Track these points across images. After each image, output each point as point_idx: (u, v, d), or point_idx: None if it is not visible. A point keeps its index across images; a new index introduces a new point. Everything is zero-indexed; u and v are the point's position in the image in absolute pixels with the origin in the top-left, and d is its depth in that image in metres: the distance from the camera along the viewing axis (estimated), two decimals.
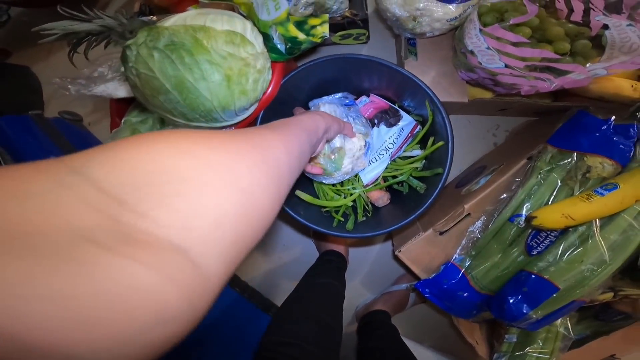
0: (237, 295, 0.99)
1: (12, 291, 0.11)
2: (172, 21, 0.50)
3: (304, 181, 0.75)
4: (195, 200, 0.16)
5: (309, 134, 0.35)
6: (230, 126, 0.61)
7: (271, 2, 0.55)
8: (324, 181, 0.68)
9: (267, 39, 0.57)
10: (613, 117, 0.59)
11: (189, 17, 0.51)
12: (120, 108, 0.75)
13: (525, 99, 0.64)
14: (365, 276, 0.98)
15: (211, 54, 0.47)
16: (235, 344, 0.90)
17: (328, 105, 0.66)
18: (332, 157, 0.61)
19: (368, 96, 0.73)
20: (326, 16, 0.62)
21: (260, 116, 0.63)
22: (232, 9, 0.60)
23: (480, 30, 0.54)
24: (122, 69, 0.68)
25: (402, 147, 0.70)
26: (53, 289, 0.12)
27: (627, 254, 0.56)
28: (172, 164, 0.17)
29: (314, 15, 0.65)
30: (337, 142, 0.61)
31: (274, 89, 0.62)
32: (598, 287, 0.59)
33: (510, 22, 0.52)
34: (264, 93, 0.60)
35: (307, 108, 0.76)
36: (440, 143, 0.62)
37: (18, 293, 0.11)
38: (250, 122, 0.63)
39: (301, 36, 0.56)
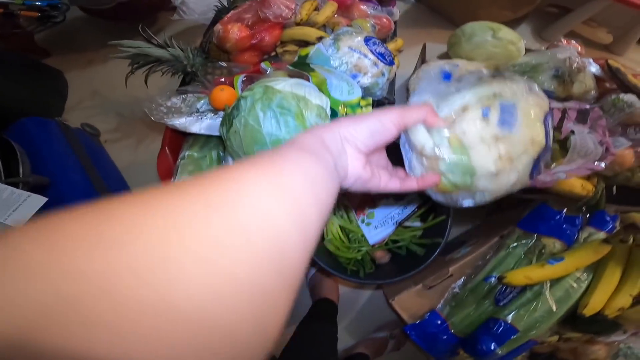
0: None
1: None
2: (281, 86, 0.62)
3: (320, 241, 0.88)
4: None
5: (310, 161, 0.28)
6: None
7: (346, 87, 0.71)
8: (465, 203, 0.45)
9: (333, 115, 0.72)
10: (565, 210, 0.82)
11: (293, 85, 0.63)
12: (173, 139, 0.83)
13: None
14: (350, 322, 1.09)
15: (306, 122, 0.61)
16: None
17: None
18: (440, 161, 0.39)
19: None
20: (371, 99, 0.80)
21: None
22: (307, 79, 0.74)
23: None
24: (199, 105, 0.77)
25: (406, 218, 0.86)
26: None
27: (568, 306, 0.77)
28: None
29: (362, 96, 0.81)
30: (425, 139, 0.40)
31: None
32: (547, 331, 0.79)
33: None
34: None
35: None
36: (442, 217, 0.80)
37: None
38: None
39: None
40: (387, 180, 0.40)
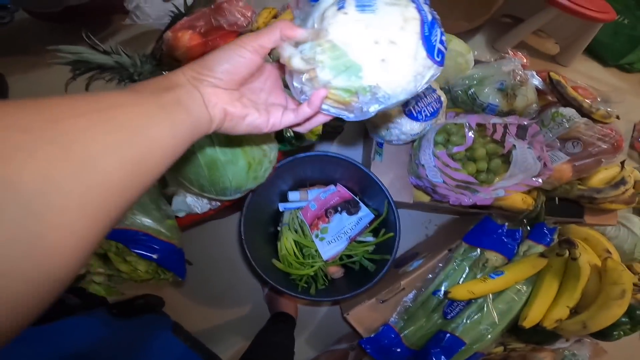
0: (179, 342, 0.98)
1: None
2: None
3: (273, 251, 0.86)
4: None
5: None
6: (229, 201, 0.70)
7: None
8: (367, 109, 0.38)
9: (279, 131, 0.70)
10: (506, 224, 0.84)
11: None
12: None
13: (451, 205, 0.86)
14: (310, 335, 1.09)
15: (243, 142, 0.58)
16: None
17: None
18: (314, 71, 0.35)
19: (335, 185, 0.90)
20: None
21: (250, 195, 0.74)
22: None
23: (433, 151, 0.75)
24: None
25: (359, 233, 0.86)
26: None
27: (510, 317, 0.80)
28: None
29: None
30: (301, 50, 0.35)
31: (271, 174, 0.71)
32: (492, 342, 0.81)
33: (453, 150, 0.74)
34: None
35: (284, 196, 0.90)
36: (391, 234, 0.80)
37: None
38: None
39: (311, 138, 0.70)
40: (278, 115, 0.38)
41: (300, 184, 0.91)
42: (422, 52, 0.35)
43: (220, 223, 1.10)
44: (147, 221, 0.61)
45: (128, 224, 0.60)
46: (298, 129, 0.41)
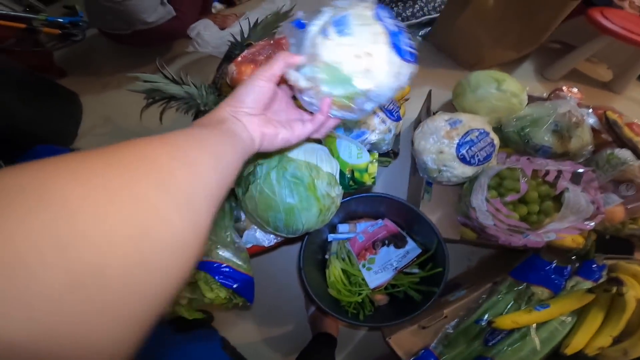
0: (227, 357, 1.06)
1: None
2: (295, 154, 0.66)
3: (322, 278, 0.92)
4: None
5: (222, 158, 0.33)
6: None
7: (355, 150, 0.74)
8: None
9: (340, 175, 0.75)
10: (555, 262, 0.87)
11: (307, 151, 0.67)
12: None
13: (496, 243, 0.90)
14: (349, 354, 1.14)
15: (317, 191, 0.65)
16: None
17: None
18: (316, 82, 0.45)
19: (382, 219, 0.94)
20: (377, 154, 0.83)
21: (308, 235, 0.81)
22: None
23: (486, 197, 0.78)
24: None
25: (406, 266, 0.91)
26: None
27: (552, 345, 0.83)
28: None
29: (368, 151, 0.84)
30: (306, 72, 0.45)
31: None
32: None
33: (508, 199, 0.77)
34: None
35: (334, 227, 0.95)
36: (440, 269, 0.85)
37: None
38: None
39: (369, 182, 0.75)
40: (300, 128, 0.47)
41: (350, 217, 0.97)
42: (395, 57, 0.44)
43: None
44: (227, 254, 0.69)
45: (213, 257, 0.68)
46: (316, 135, 0.50)
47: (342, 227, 0.94)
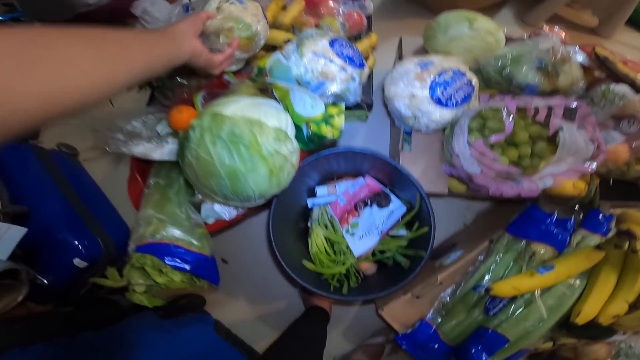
0: (221, 340, 1.01)
1: None
2: (232, 110, 0.58)
3: (304, 249, 0.85)
4: None
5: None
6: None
7: (309, 100, 0.66)
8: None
9: (297, 130, 0.67)
10: (556, 213, 0.77)
11: (246, 107, 0.59)
12: (140, 164, 0.79)
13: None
14: (346, 329, 1.08)
15: (262, 150, 0.56)
16: None
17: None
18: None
19: (364, 177, 0.86)
20: (342, 106, 0.74)
21: (275, 199, 0.72)
22: (267, 89, 0.69)
23: (467, 140, 0.69)
24: (159, 129, 0.73)
25: (391, 227, 0.82)
26: None
27: (561, 313, 0.73)
28: None
29: (332, 103, 0.76)
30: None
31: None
32: (539, 339, 0.75)
33: (491, 140, 0.67)
34: None
35: (312, 191, 0.88)
36: (425, 229, 0.76)
37: None
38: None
39: (329, 135, 0.66)
40: (216, 56, 0.63)
41: (328, 178, 0.88)
42: None
43: (252, 222, 1.10)
44: (177, 233, 0.62)
45: (160, 238, 0.60)
46: (223, 66, 0.67)
47: (321, 190, 0.86)
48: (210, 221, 0.72)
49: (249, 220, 1.09)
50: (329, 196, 0.86)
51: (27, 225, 0.77)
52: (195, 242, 0.62)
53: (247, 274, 1.09)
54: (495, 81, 0.84)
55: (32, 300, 0.78)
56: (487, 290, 0.73)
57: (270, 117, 0.60)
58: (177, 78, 0.78)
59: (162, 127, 0.73)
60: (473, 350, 0.75)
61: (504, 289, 0.72)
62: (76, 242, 0.83)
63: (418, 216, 0.81)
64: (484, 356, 0.74)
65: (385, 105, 0.86)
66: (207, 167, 0.55)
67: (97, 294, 0.93)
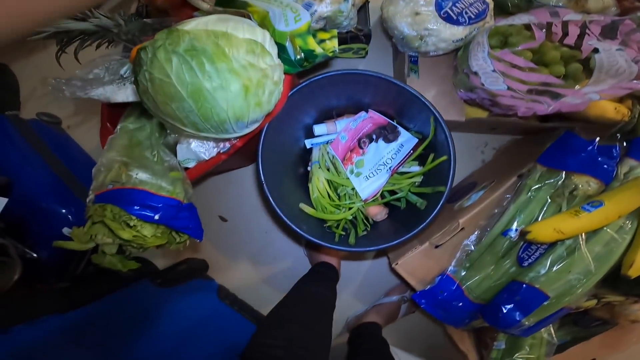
0: (225, 307, 0.94)
1: None
2: (193, 25, 0.47)
3: (305, 196, 0.74)
4: None
5: None
6: (237, 138, 0.59)
7: (290, 14, 0.54)
8: None
9: (281, 50, 0.55)
10: (598, 139, 0.63)
11: (210, 22, 0.48)
12: (112, 113, 0.71)
13: (518, 120, 0.66)
14: (358, 288, 0.98)
15: (232, 62, 0.45)
16: (224, 355, 0.86)
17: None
18: None
19: (366, 112, 0.73)
20: (335, 31, 0.62)
21: (265, 128, 0.62)
22: (244, 16, 0.58)
23: (488, 53, 0.56)
24: (122, 71, 0.63)
25: (402, 163, 0.70)
26: None
27: (610, 264, 0.60)
28: None
29: (323, 29, 0.65)
30: None
31: (282, 102, 0.60)
32: (584, 295, 0.63)
33: (520, 47, 0.54)
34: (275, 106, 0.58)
35: (310, 131, 0.77)
36: (444, 158, 0.63)
37: None
38: (255, 134, 0.61)
39: (318, 50, 0.55)
40: None
41: (327, 116, 0.77)
42: None
43: (247, 172, 1.00)
44: (144, 176, 0.52)
45: (122, 183, 0.51)
46: None
47: (319, 128, 0.75)
48: (191, 165, 0.62)
49: (244, 171, 1.00)
50: (329, 134, 0.75)
51: (10, 197, 0.72)
52: (165, 186, 0.52)
53: (248, 232, 1.00)
54: (513, 4, 0.69)
55: (33, 280, 0.75)
56: (523, 234, 0.60)
57: (241, 30, 0.48)
58: (146, 20, 0.68)
59: (125, 69, 0.63)
60: (505, 309, 0.63)
61: (544, 232, 0.59)
62: (63, 210, 0.79)
63: (433, 146, 0.68)
64: (518, 316, 0.63)
65: (386, 34, 0.73)
66: (165, 89, 0.45)
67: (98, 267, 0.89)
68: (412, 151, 0.70)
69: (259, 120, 0.56)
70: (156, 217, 0.50)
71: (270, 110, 0.55)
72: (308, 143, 0.77)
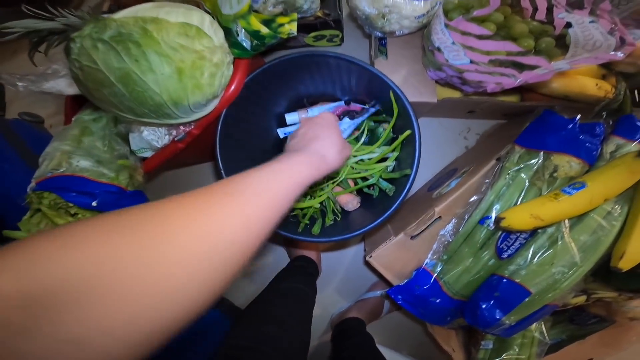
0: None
1: None
2: (124, 13, 0.46)
3: None
4: (107, 308, 0.18)
5: (289, 192, 0.32)
6: (187, 123, 0.57)
7: None
8: None
9: (230, 35, 0.53)
10: (579, 116, 0.57)
11: (142, 9, 0.47)
12: (76, 107, 0.70)
13: (492, 98, 0.62)
14: (340, 283, 0.94)
15: (161, 45, 0.43)
16: (194, 347, 0.82)
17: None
18: None
19: (345, 103, 0.72)
20: (295, 15, 0.60)
21: (223, 114, 0.59)
22: (197, 5, 0.56)
23: (446, 25, 0.52)
24: None
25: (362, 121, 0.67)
26: None
27: (598, 255, 0.54)
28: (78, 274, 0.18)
29: (283, 14, 0.62)
30: None
31: (237, 86, 0.58)
32: (570, 290, 0.57)
33: (474, 14, 0.50)
34: (226, 90, 0.56)
35: (282, 120, 0.74)
36: (407, 132, 0.58)
37: None
38: (211, 121, 0.59)
39: (264, 30, 0.53)
40: None
41: (299, 105, 0.75)
42: None
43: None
44: (86, 163, 0.50)
45: (62, 171, 0.50)
46: None
47: (290, 117, 0.73)
48: (147, 154, 0.60)
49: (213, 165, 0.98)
50: (298, 123, 0.72)
51: None
52: (107, 173, 0.51)
53: None
54: None
55: None
56: (498, 221, 0.55)
57: (175, 14, 0.46)
58: None
59: None
60: (484, 306, 0.58)
61: (519, 218, 0.54)
62: None
63: (401, 128, 0.64)
64: (497, 314, 0.57)
65: (356, 20, 0.70)
66: (94, 75, 0.44)
67: None
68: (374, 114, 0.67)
69: (206, 105, 0.54)
70: (94, 203, 0.49)
71: (217, 94, 0.53)
72: (281, 132, 0.75)
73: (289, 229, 0.62)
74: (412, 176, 0.57)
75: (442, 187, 0.71)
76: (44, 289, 0.17)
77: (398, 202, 0.57)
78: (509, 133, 0.69)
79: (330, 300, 0.92)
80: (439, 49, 0.55)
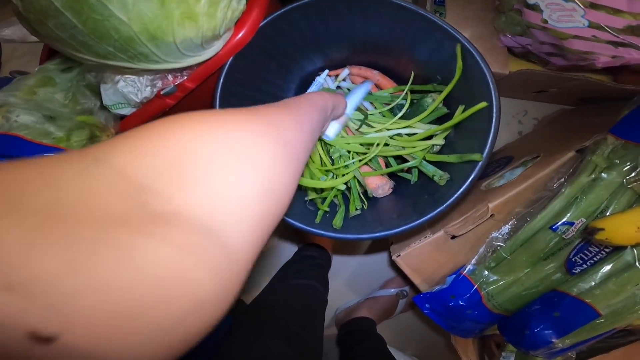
0: None
1: (58, 287, 0.09)
2: None
3: None
4: (218, 183, 0.15)
5: (320, 112, 0.29)
6: (178, 71, 0.40)
7: None
8: None
9: None
10: None
11: None
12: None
13: (584, 76, 0.45)
14: (350, 276, 0.81)
15: None
16: None
17: None
18: None
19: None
20: None
21: (227, 65, 0.43)
22: None
23: None
24: None
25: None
26: (100, 280, 0.10)
27: None
28: (192, 149, 0.15)
29: None
30: None
31: (250, 28, 0.41)
32: None
33: None
34: (234, 32, 0.39)
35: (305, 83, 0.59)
36: (482, 104, 0.42)
37: (64, 288, 0.10)
38: (211, 73, 0.42)
39: None
40: None
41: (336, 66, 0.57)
42: None
43: None
44: (27, 119, 0.35)
45: None
46: None
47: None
48: (125, 111, 0.44)
49: None
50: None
51: None
52: (53, 132, 0.35)
53: None
54: None
55: None
56: (591, 231, 0.41)
57: None
58: None
59: None
60: (537, 327, 0.46)
61: (624, 231, 0.40)
62: None
63: (461, 95, 0.47)
64: (551, 336, 0.45)
65: None
66: (35, 4, 0.27)
67: None
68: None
69: (204, 47, 0.37)
70: None
71: (218, 32, 0.36)
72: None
73: (304, 219, 0.48)
74: (480, 164, 0.42)
75: (494, 177, 0.56)
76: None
77: (454, 197, 0.42)
78: (589, 120, 0.54)
79: (337, 293, 0.80)
80: (534, 7, 0.38)
